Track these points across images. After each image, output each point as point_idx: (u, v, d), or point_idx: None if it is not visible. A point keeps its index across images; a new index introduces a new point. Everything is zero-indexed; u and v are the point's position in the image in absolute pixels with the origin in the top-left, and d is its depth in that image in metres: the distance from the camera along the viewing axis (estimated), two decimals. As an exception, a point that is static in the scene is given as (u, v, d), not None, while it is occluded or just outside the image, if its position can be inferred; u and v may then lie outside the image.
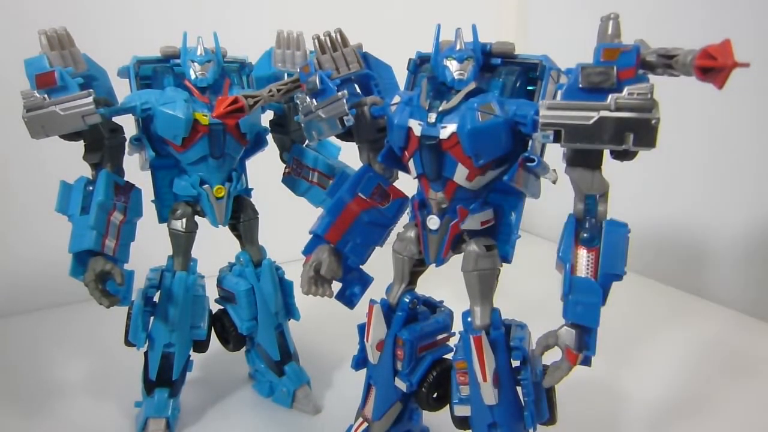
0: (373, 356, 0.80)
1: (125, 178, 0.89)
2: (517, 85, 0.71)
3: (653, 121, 0.58)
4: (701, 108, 1.39)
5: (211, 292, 1.02)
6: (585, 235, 0.65)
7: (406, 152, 0.71)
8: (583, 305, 0.63)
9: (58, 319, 1.38)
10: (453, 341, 0.81)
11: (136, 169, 0.93)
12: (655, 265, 1.51)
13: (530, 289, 1.29)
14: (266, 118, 1.02)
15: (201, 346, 1.00)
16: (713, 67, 0.48)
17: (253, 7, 1.55)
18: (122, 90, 0.91)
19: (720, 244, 1.47)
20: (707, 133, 1.46)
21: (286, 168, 1.03)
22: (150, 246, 0.95)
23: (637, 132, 0.58)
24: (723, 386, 1.10)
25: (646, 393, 1.08)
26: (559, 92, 0.67)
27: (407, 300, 0.78)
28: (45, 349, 1.25)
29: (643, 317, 1.37)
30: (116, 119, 0.88)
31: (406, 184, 0.80)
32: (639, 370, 1.15)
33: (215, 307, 1.02)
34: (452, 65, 0.67)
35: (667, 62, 0.58)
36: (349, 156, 0.92)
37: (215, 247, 1.03)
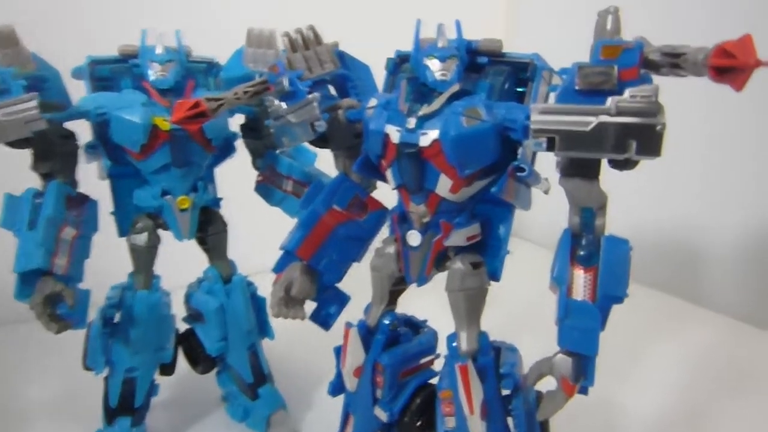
0: (350, 383, 0.74)
1: (81, 189, 0.82)
2: (506, 86, 0.65)
3: (658, 127, 0.51)
4: (697, 111, 1.34)
5: (180, 308, 0.95)
6: (582, 252, 0.58)
7: (383, 161, 0.64)
8: (580, 331, 0.57)
9: (15, 338, 1.29)
10: (438, 362, 0.74)
11: (95, 179, 0.85)
12: (650, 273, 1.46)
13: (519, 298, 1.23)
14: (237, 121, 0.95)
15: (167, 368, 0.93)
16: (731, 66, 0.42)
17: (222, 2, 1.46)
18: (80, 93, 0.84)
19: (717, 250, 1.44)
20: (704, 138, 1.42)
21: (259, 176, 0.96)
22: (112, 261, 0.88)
23: (641, 139, 0.52)
24: (723, 399, 1.06)
25: (642, 408, 1.03)
26: (552, 95, 0.61)
27: (387, 322, 0.72)
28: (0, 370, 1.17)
29: (638, 326, 1.32)
30: (69, 125, 0.80)
31: (387, 193, 0.73)
32: (635, 383, 1.10)
33: (184, 326, 0.95)
34: (434, 65, 0.61)
35: (674, 61, 0.52)
36: (328, 162, 0.85)
37: (185, 259, 0.96)
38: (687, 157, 1.43)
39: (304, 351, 1.10)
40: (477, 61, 0.65)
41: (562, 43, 0.86)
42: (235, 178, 0.96)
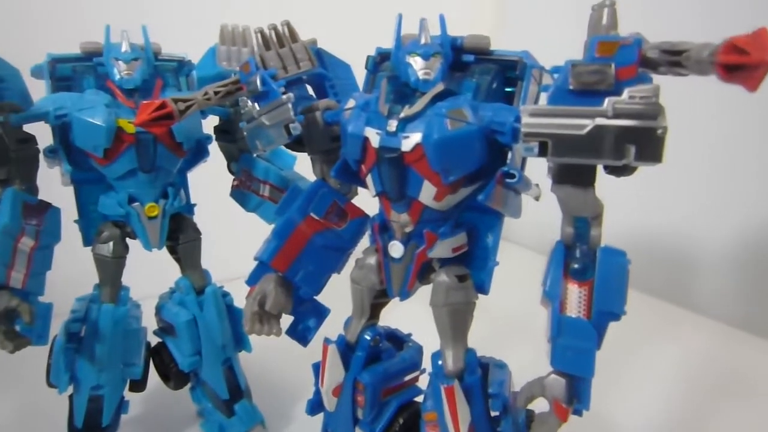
0: (329, 403, 0.69)
1: (48, 196, 0.77)
2: (494, 86, 0.60)
3: (659, 131, 0.47)
4: (691, 114, 1.30)
5: (152, 320, 0.90)
6: (576, 265, 0.54)
7: (362, 166, 0.60)
8: (575, 351, 0.53)
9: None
10: (423, 379, 0.70)
11: (59, 185, 0.80)
12: (643, 278, 1.44)
13: (507, 306, 1.19)
14: (211, 123, 0.90)
15: (138, 385, 0.88)
16: (744, 64, 0.38)
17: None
18: (41, 93, 0.79)
19: (711, 256, 1.42)
20: (700, 143, 1.39)
21: (234, 180, 0.91)
22: (79, 271, 0.83)
23: (640, 144, 0.48)
24: (718, 406, 1.03)
25: (636, 416, 1.00)
26: (543, 95, 0.57)
27: (368, 337, 0.68)
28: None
29: (632, 333, 1.28)
30: (29, 128, 0.75)
31: (368, 200, 0.68)
32: (627, 392, 1.07)
33: (156, 339, 0.90)
34: (416, 63, 0.57)
35: (674, 59, 0.48)
36: (307, 166, 0.80)
37: (158, 265, 0.90)
38: (682, 161, 1.40)
39: (283, 363, 1.05)
40: (462, 59, 0.61)
41: (551, 40, 0.83)
42: (210, 181, 0.92)
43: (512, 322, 1.17)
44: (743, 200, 1.34)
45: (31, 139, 0.76)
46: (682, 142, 1.35)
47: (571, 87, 0.49)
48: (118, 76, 0.75)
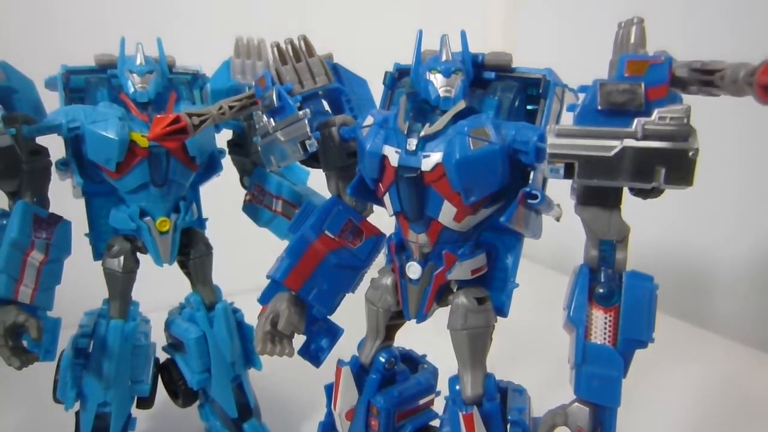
0: (342, 426, 0.68)
1: (59, 208, 0.76)
2: (516, 104, 0.59)
3: (691, 153, 0.46)
4: (709, 134, 1.29)
5: (161, 332, 0.89)
6: (601, 290, 0.53)
7: (380, 185, 0.58)
8: (600, 380, 0.51)
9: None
10: (439, 400, 0.68)
11: (70, 197, 0.79)
12: (660, 297, 1.42)
13: (524, 324, 1.17)
14: (224, 137, 0.89)
15: (145, 402, 0.87)
16: (786, 86, 0.36)
17: (208, 10, 1.39)
18: (56, 105, 0.78)
19: (729, 276, 1.39)
20: (716, 161, 1.36)
21: (247, 194, 0.90)
22: (89, 284, 0.82)
23: (671, 166, 0.46)
24: (734, 427, 1.01)
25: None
26: (565, 114, 0.55)
27: (383, 359, 0.66)
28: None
29: (649, 352, 1.26)
30: (41, 139, 0.74)
31: (383, 217, 0.67)
32: (644, 414, 1.04)
33: (165, 354, 0.89)
34: (437, 80, 0.55)
35: (707, 78, 0.46)
36: (322, 180, 0.79)
37: (169, 277, 0.89)
38: (700, 179, 1.38)
39: (294, 382, 1.04)
40: (483, 76, 0.59)
41: (562, 56, 0.81)
42: (222, 195, 0.90)
43: (529, 342, 1.14)
44: (762, 220, 1.32)
45: (43, 151, 0.75)
46: (701, 158, 1.33)
47: (599, 107, 0.48)
48: (132, 89, 0.74)
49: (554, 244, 0.81)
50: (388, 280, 0.64)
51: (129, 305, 0.82)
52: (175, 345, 0.87)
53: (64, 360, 0.78)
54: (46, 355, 0.73)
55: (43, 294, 0.72)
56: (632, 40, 0.50)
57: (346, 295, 0.70)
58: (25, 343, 0.69)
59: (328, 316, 0.70)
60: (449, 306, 0.61)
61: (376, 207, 0.69)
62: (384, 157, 0.56)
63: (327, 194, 0.73)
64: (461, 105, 0.55)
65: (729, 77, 0.43)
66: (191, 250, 0.84)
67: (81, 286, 0.82)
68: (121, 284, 0.80)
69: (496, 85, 0.59)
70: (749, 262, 1.34)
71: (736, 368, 1.22)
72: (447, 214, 0.55)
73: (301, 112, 0.62)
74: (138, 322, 0.84)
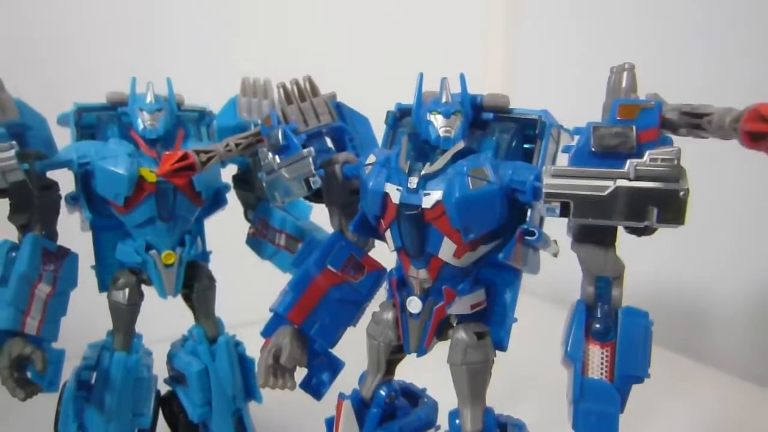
0: (342, 461, 0.67)
1: (65, 239, 0.77)
2: (513, 144, 0.61)
3: (682, 193, 0.47)
4: (706, 170, 1.31)
5: (163, 365, 0.89)
6: (597, 326, 0.54)
7: (382, 222, 0.60)
8: (598, 415, 0.52)
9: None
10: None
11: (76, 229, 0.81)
12: (657, 331, 1.42)
13: (522, 357, 1.17)
14: (229, 172, 0.91)
15: (146, 435, 0.86)
16: (769, 133, 0.38)
17: (215, 50, 1.43)
18: (68, 141, 0.80)
19: (726, 310, 1.39)
20: (711, 196, 1.38)
21: (250, 228, 0.92)
22: (94, 315, 0.82)
23: (662, 206, 0.48)
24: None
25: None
26: (561, 155, 0.57)
27: (383, 393, 0.66)
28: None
29: (645, 386, 1.25)
30: (53, 174, 0.76)
31: (384, 251, 0.68)
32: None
33: (166, 387, 0.89)
34: (437, 120, 0.57)
35: (695, 122, 0.48)
36: (325, 215, 0.80)
37: (172, 309, 0.89)
38: (697, 216, 1.39)
39: (294, 416, 1.03)
40: (482, 117, 0.62)
41: (560, 98, 0.83)
42: (226, 228, 0.92)
43: (529, 377, 1.14)
44: (759, 255, 1.32)
45: (53, 186, 0.77)
46: (696, 197, 1.35)
47: (593, 149, 0.50)
48: (141, 126, 0.76)
49: (553, 279, 0.82)
50: (389, 315, 0.65)
51: (132, 338, 0.83)
52: (176, 377, 0.87)
53: (66, 392, 0.79)
54: (50, 386, 0.73)
55: (49, 326, 0.73)
56: (624, 84, 0.52)
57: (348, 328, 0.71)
58: (28, 374, 0.70)
59: (330, 350, 0.71)
60: (449, 340, 0.62)
61: (377, 241, 0.71)
62: (386, 195, 0.58)
63: (329, 228, 0.74)
64: (460, 145, 0.57)
65: (716, 122, 0.45)
66: (195, 283, 0.86)
67: (85, 317, 0.83)
68: (125, 317, 0.81)
69: (494, 126, 0.62)
70: (745, 296, 1.35)
71: (733, 402, 1.22)
72: (447, 250, 0.57)
73: (305, 151, 0.64)
74: (141, 354, 0.84)
